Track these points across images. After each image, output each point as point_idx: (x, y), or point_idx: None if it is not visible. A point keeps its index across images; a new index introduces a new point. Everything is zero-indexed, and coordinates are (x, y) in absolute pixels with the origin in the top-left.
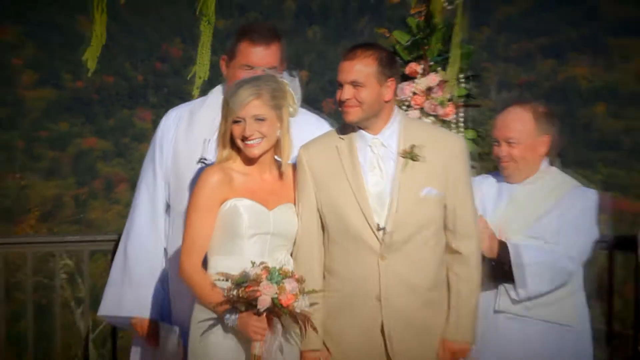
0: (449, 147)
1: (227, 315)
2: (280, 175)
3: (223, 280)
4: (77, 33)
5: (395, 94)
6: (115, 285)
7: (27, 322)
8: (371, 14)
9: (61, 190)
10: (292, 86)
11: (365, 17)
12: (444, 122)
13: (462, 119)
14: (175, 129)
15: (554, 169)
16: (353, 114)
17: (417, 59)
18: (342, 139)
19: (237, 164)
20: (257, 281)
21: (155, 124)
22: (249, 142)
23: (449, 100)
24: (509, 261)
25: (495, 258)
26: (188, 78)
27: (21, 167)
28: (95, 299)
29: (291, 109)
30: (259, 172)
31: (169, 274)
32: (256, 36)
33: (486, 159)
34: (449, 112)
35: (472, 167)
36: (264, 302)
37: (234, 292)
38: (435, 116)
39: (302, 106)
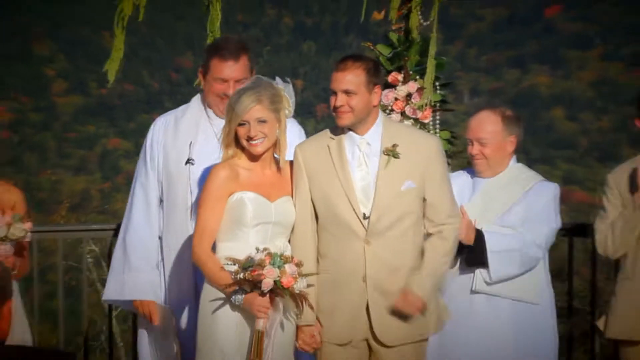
0: (427, 146)
1: (234, 295)
2: (279, 170)
3: (231, 264)
4: (102, 47)
5: (380, 99)
6: (116, 273)
7: (59, 300)
8: (358, 30)
9: (88, 184)
10: (287, 91)
11: (353, 33)
12: (422, 124)
13: (438, 122)
14: (164, 135)
15: (520, 165)
16: (346, 119)
17: (398, 69)
18: (333, 139)
19: (242, 160)
20: (261, 265)
21: None
22: (253, 142)
23: (426, 105)
24: (484, 248)
25: (472, 245)
26: (194, 85)
27: (53, 164)
28: None
29: (287, 112)
30: (261, 167)
31: (164, 260)
32: (225, 53)
33: (459, 157)
34: (427, 115)
35: (447, 163)
36: (267, 284)
37: (241, 275)
38: (415, 119)
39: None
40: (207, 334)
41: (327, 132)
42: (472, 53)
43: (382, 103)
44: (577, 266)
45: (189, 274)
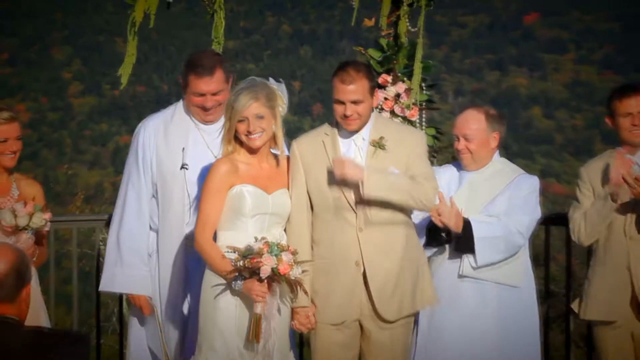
0: (412, 140)
1: (234, 281)
2: (277, 163)
3: (231, 252)
4: (115, 52)
5: None
6: (110, 267)
7: (73, 285)
8: (351, 36)
9: (102, 178)
10: (280, 90)
11: (346, 38)
12: (409, 122)
13: (424, 119)
14: (155, 139)
15: (503, 159)
16: (355, 125)
17: (387, 71)
18: (327, 135)
19: (240, 155)
20: (259, 254)
21: None
22: (252, 136)
23: (414, 104)
24: (472, 235)
25: (460, 232)
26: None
27: (69, 159)
28: None
29: (281, 108)
30: (259, 161)
31: (159, 252)
32: (200, 70)
33: (444, 152)
34: (414, 113)
35: (433, 157)
36: (265, 271)
37: (241, 263)
38: (403, 117)
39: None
40: (208, 317)
41: (322, 128)
42: (456, 57)
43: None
44: (554, 253)
45: (182, 268)
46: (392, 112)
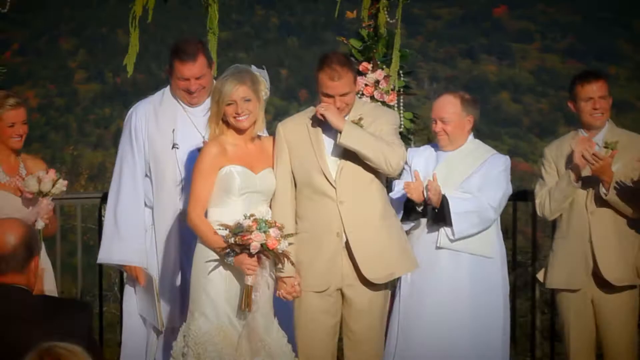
0: (386, 116)
1: (226, 256)
2: (261, 144)
3: (223, 229)
4: (117, 42)
5: None
6: (108, 240)
7: (78, 257)
8: (334, 27)
9: (105, 158)
10: (263, 76)
11: (329, 29)
12: (388, 107)
13: (402, 104)
14: (146, 122)
15: (477, 140)
16: (344, 113)
17: (367, 60)
18: (310, 119)
19: (228, 137)
20: (249, 231)
21: None
22: (240, 118)
23: (392, 89)
24: (449, 210)
25: (438, 207)
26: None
27: (75, 141)
28: None
29: (264, 92)
30: (245, 142)
31: (155, 227)
32: (184, 56)
33: (420, 134)
34: (392, 99)
35: (409, 139)
36: (255, 247)
37: (232, 240)
38: (382, 102)
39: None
40: (200, 286)
41: (306, 113)
42: (430, 46)
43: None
44: (520, 226)
45: (177, 240)
46: (372, 98)
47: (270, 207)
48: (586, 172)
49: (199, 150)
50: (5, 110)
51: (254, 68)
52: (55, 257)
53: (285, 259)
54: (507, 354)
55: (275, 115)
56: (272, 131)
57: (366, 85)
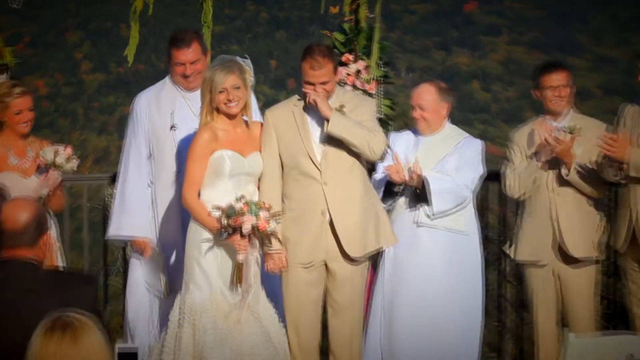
0: (365, 104)
1: (219, 235)
2: (248, 128)
3: (216, 211)
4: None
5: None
6: (116, 216)
7: (84, 233)
8: (319, 21)
9: (108, 142)
10: (247, 65)
11: (315, 23)
12: (369, 94)
13: (381, 92)
14: (148, 107)
15: (453, 125)
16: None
17: (349, 51)
18: (296, 106)
19: (218, 123)
20: (241, 214)
21: None
22: (231, 104)
23: (372, 79)
24: (429, 190)
25: (417, 187)
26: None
27: (81, 127)
28: None
29: (249, 80)
30: (234, 127)
31: (157, 204)
32: (179, 43)
33: (398, 120)
34: (372, 87)
35: (388, 124)
36: (247, 229)
37: (225, 222)
38: (363, 90)
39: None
40: (194, 260)
41: (291, 100)
42: (407, 39)
43: (336, 78)
44: (490, 204)
45: (177, 215)
46: (354, 86)
47: (258, 187)
48: (547, 151)
49: (195, 131)
50: (13, 99)
51: (238, 58)
52: (63, 234)
53: (273, 238)
54: (482, 320)
55: (265, 103)
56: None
57: (348, 74)
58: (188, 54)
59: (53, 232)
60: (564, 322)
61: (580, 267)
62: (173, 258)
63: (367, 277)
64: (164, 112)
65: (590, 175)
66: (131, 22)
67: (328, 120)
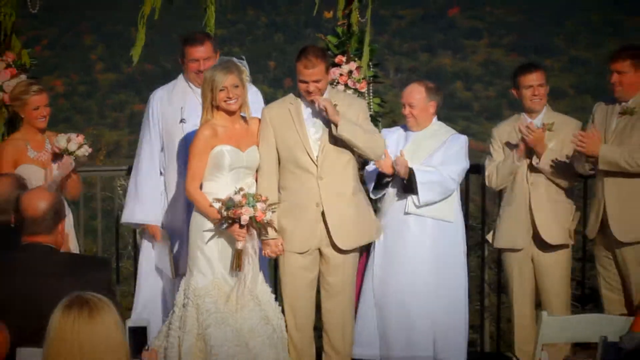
0: (356, 105)
1: (220, 225)
2: (246, 124)
3: (217, 203)
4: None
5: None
6: (130, 203)
7: (98, 220)
8: (314, 25)
9: (120, 137)
10: (244, 65)
11: (310, 27)
12: (360, 93)
13: (371, 91)
14: (161, 104)
15: (440, 122)
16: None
17: (342, 53)
18: (292, 104)
19: (218, 120)
20: (240, 206)
21: None
22: (230, 102)
23: (363, 78)
24: (415, 180)
25: (406, 178)
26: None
27: (95, 122)
28: None
29: (246, 79)
30: (232, 123)
31: (167, 192)
32: (194, 41)
33: (386, 117)
34: (363, 86)
35: (378, 120)
36: (245, 219)
37: (225, 213)
38: (355, 89)
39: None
40: (197, 247)
41: (287, 98)
42: (395, 42)
43: (330, 78)
44: (472, 195)
45: (184, 203)
46: (346, 85)
47: (256, 179)
48: (524, 146)
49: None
50: (31, 96)
51: (234, 59)
52: (78, 221)
53: (269, 227)
54: (466, 301)
55: (264, 100)
56: None
57: (341, 74)
58: (202, 52)
59: (69, 219)
60: (539, 303)
61: (554, 253)
62: (180, 242)
63: (359, 262)
64: (175, 107)
65: (563, 167)
66: (139, 25)
67: (336, 125)
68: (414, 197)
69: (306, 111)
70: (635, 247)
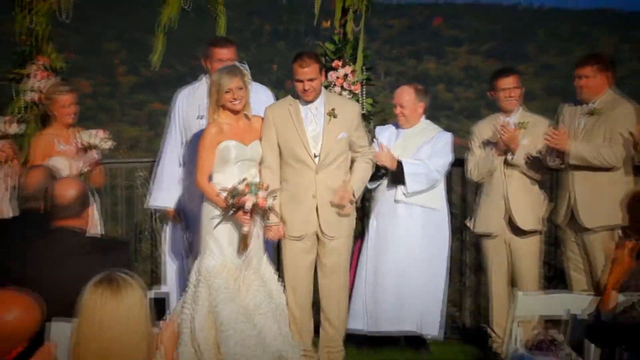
0: (352, 109)
1: (227, 212)
2: (249, 121)
3: (224, 192)
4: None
5: (325, 78)
6: (156, 190)
7: (120, 207)
8: (313, 33)
9: (139, 133)
10: (245, 69)
11: (309, 35)
12: (354, 94)
13: (364, 92)
14: (183, 100)
15: (428, 121)
16: (312, 96)
17: (339, 58)
18: (292, 104)
19: (223, 118)
20: (243, 194)
21: None
22: (235, 102)
23: (357, 81)
24: (403, 171)
25: (396, 169)
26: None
27: (118, 120)
28: None
29: (248, 81)
30: (237, 120)
31: (184, 182)
32: (220, 44)
33: (378, 116)
34: (357, 88)
35: (370, 119)
36: (248, 206)
37: (230, 201)
38: (349, 91)
39: (263, 84)
40: (208, 232)
41: (287, 99)
42: (385, 48)
43: (328, 80)
44: (454, 186)
45: (200, 191)
46: (342, 87)
47: (259, 171)
48: (500, 143)
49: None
50: (60, 95)
51: (237, 63)
52: (103, 208)
53: (271, 212)
54: (447, 280)
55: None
56: None
57: (338, 77)
58: (226, 53)
59: (95, 206)
60: (513, 282)
61: (527, 238)
62: (195, 226)
63: (355, 247)
64: (195, 104)
65: (535, 162)
66: (157, 33)
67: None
68: (402, 186)
69: (304, 111)
70: (599, 233)
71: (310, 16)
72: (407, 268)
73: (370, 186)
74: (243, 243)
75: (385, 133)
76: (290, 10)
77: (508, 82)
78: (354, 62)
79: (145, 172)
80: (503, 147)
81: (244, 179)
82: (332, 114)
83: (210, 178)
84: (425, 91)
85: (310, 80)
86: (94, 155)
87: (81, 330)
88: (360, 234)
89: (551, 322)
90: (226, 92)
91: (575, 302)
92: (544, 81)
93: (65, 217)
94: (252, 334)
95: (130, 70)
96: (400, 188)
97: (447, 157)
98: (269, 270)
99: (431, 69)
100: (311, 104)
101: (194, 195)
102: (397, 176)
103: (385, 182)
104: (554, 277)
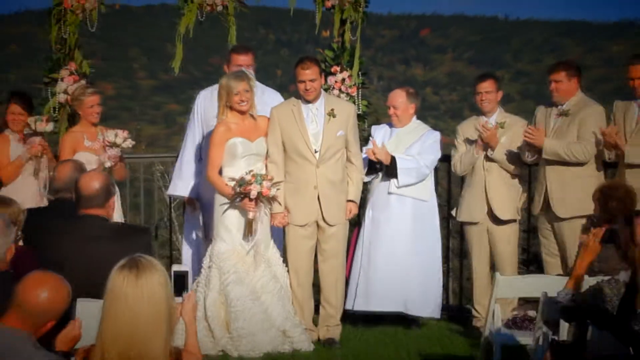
0: (348, 110)
1: (235, 200)
2: (255, 120)
3: (232, 182)
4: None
5: (325, 81)
6: (174, 179)
7: (140, 198)
8: (314, 42)
9: (158, 131)
10: (251, 75)
11: (310, 43)
12: (351, 96)
13: (360, 95)
14: (205, 102)
15: (418, 121)
16: (312, 95)
17: (337, 64)
18: (295, 105)
19: (231, 117)
20: (249, 183)
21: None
22: (242, 104)
23: (353, 85)
24: (396, 166)
25: (389, 164)
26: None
27: (137, 119)
28: None
29: (253, 84)
30: (243, 120)
31: (202, 174)
32: (240, 49)
33: (371, 116)
34: (353, 91)
35: (365, 118)
36: (253, 194)
37: (238, 189)
38: (347, 93)
39: (270, 87)
40: (219, 220)
41: (290, 101)
42: (379, 55)
43: (327, 84)
44: (440, 179)
45: None
46: (340, 90)
47: (265, 165)
48: (481, 141)
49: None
50: (87, 96)
51: (244, 69)
52: (125, 198)
53: (275, 201)
54: (441, 266)
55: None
56: None
57: (336, 81)
58: (245, 60)
59: (117, 196)
60: (493, 266)
61: (505, 226)
62: (211, 213)
63: (353, 235)
64: (214, 104)
65: (513, 157)
66: (177, 42)
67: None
68: (394, 179)
69: (305, 111)
70: (571, 221)
71: (311, 26)
72: (398, 253)
73: (366, 179)
74: (249, 228)
75: (380, 131)
76: (293, 22)
77: (484, 86)
78: (351, 68)
79: (163, 166)
80: (484, 144)
81: (251, 171)
82: (331, 114)
83: (220, 172)
84: (416, 94)
85: (311, 80)
86: (117, 152)
87: (108, 309)
88: (356, 222)
89: (526, 301)
90: (235, 94)
91: (549, 283)
92: (519, 86)
93: (91, 206)
94: (258, 311)
95: (148, 74)
96: (393, 181)
97: (436, 154)
98: (275, 254)
99: (419, 74)
100: (312, 105)
101: (209, 186)
102: (390, 170)
103: (380, 175)
104: (531, 261)
